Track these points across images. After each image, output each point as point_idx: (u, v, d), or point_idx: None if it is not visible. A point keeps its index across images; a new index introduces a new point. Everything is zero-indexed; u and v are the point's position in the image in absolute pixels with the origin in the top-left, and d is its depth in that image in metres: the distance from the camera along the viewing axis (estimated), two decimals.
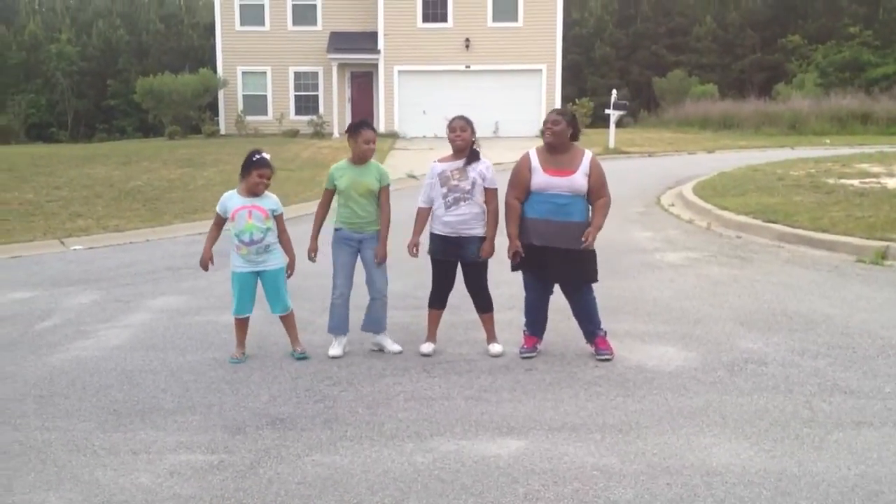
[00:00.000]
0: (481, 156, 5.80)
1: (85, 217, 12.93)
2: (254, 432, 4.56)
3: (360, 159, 5.85)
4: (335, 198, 5.93)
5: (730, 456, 4.16)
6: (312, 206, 13.43)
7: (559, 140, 5.60)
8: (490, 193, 5.76)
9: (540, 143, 5.82)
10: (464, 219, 5.71)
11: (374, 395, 5.10)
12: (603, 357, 5.69)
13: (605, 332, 5.83)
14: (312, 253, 5.91)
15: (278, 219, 5.86)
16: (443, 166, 5.80)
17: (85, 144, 31.61)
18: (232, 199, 5.80)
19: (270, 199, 5.85)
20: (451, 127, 5.75)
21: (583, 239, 5.53)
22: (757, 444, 4.31)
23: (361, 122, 5.96)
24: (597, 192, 5.62)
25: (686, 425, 4.56)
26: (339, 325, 5.96)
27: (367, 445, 4.36)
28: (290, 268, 5.94)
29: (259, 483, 3.95)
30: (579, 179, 5.55)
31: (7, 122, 37.87)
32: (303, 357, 5.83)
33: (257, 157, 5.74)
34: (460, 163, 5.74)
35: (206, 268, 5.96)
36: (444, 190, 5.72)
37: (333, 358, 5.84)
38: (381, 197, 5.88)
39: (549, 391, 5.13)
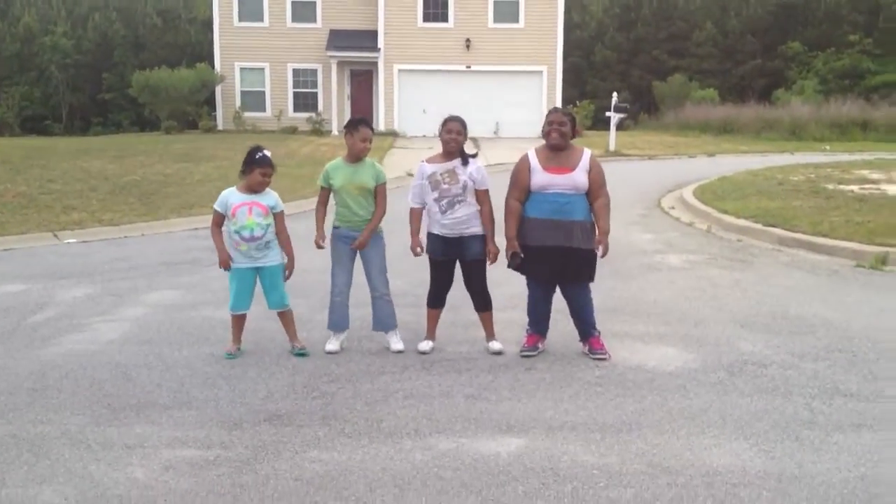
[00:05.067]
0: (473, 159, 5.71)
1: (79, 210, 12.84)
2: (251, 428, 4.50)
3: (355, 157, 5.81)
4: (332, 196, 5.89)
5: (730, 457, 4.13)
6: (310, 203, 13.35)
7: (565, 140, 5.57)
8: (482, 194, 5.70)
9: (541, 143, 5.77)
10: (462, 219, 5.66)
11: (373, 393, 5.05)
12: (597, 356, 5.66)
13: (600, 333, 5.80)
14: (321, 240, 5.89)
15: (278, 217, 5.79)
16: (432, 168, 5.71)
17: (80, 138, 31.48)
18: (232, 196, 5.73)
19: (270, 196, 5.79)
20: (448, 128, 5.65)
21: (598, 248, 5.56)
22: (757, 445, 4.27)
23: (360, 120, 5.92)
24: (595, 191, 5.59)
25: (686, 426, 4.52)
26: (339, 322, 5.95)
27: (365, 442, 4.31)
28: (290, 268, 5.87)
29: (256, 479, 3.90)
30: (580, 176, 5.52)
31: (1, 114, 37.73)
32: (302, 353, 5.77)
33: (259, 154, 5.67)
34: (450, 164, 5.65)
35: (227, 266, 5.74)
36: (436, 194, 5.65)
37: (330, 353, 5.79)
38: (377, 194, 5.83)
39: (549, 390, 5.09)
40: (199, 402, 4.92)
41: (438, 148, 5.82)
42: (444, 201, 5.64)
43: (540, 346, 5.83)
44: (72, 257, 9.85)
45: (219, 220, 5.78)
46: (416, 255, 5.87)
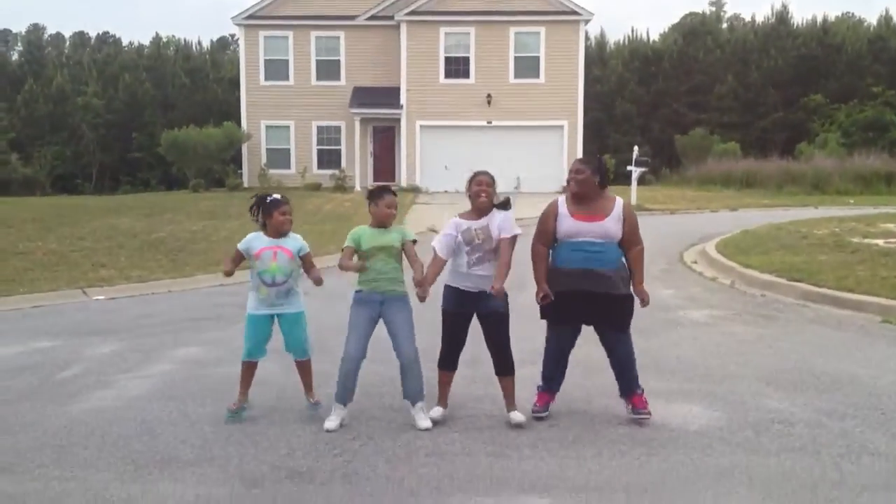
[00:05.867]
0: (503, 209, 5.58)
1: (108, 267, 13.03)
2: (272, 486, 4.51)
3: (381, 224, 5.65)
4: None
5: None
6: (334, 259, 13.53)
7: (584, 189, 5.47)
8: (504, 242, 5.45)
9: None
10: (486, 277, 5.50)
11: (395, 450, 5.04)
12: (639, 416, 5.47)
13: (643, 390, 5.60)
14: (362, 266, 5.54)
15: (305, 257, 5.75)
16: (467, 223, 5.57)
17: (109, 196, 32.05)
18: (258, 240, 5.71)
19: (296, 240, 5.75)
20: (477, 181, 5.53)
21: (642, 300, 5.47)
22: None
23: (383, 188, 5.78)
24: (631, 239, 5.51)
25: (713, 486, 4.46)
26: (342, 393, 5.56)
27: (386, 501, 4.30)
28: (319, 279, 5.61)
29: None
30: (611, 225, 5.43)
31: (33, 173, 38.59)
32: (316, 406, 5.74)
33: (270, 198, 5.70)
34: (484, 221, 5.54)
35: (227, 274, 5.83)
36: (468, 248, 5.52)
37: (328, 431, 5.41)
38: (408, 252, 5.61)
39: (571, 448, 5.05)
40: (222, 458, 4.93)
41: (461, 204, 5.75)
42: (475, 256, 5.51)
43: (550, 404, 5.70)
44: (100, 314, 9.98)
45: (237, 257, 5.79)
46: (421, 295, 5.42)
